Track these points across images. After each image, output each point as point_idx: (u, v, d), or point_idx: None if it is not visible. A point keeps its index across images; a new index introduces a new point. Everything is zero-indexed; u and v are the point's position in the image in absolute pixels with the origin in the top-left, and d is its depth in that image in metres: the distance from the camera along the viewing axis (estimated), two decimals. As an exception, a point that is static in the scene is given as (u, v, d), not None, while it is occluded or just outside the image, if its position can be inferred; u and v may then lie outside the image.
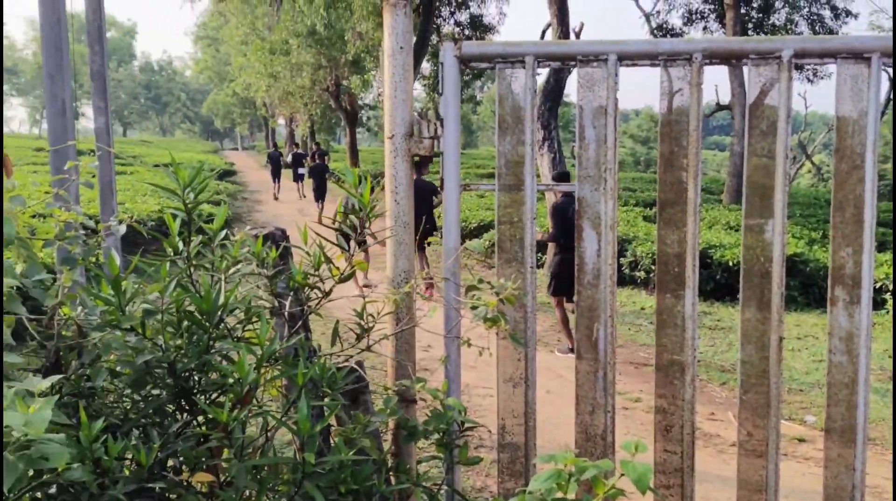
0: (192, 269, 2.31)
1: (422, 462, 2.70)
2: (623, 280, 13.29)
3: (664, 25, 29.22)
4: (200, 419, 2.24)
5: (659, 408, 2.78)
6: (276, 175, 27.82)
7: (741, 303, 2.70)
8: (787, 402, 7.22)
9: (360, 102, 37.25)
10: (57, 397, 2.03)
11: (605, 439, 2.77)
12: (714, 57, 2.64)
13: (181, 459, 2.15)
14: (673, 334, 2.74)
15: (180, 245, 2.35)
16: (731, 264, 12.13)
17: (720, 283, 12.33)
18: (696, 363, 2.73)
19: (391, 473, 2.52)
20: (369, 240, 2.52)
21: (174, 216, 2.33)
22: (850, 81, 2.53)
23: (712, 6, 26.95)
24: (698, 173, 2.66)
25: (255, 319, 2.34)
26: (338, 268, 2.48)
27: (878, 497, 5.12)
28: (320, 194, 21.41)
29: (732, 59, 2.67)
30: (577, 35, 16.46)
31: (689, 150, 2.65)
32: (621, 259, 13.54)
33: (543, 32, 23.26)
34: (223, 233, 2.44)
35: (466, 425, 2.58)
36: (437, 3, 25.07)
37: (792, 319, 11.26)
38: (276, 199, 26.55)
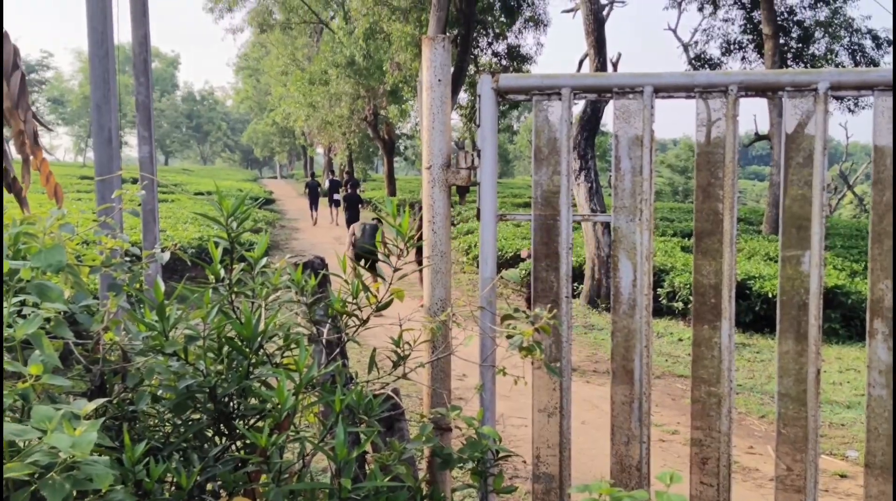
0: (233, 296, 2.36)
1: (456, 490, 2.71)
2: (661, 311, 13.19)
3: (702, 56, 29.15)
4: (239, 443, 2.27)
5: (695, 440, 2.76)
6: (313, 203, 28.85)
7: (778, 335, 2.68)
8: (828, 437, 7.08)
9: (397, 132, 37.63)
10: (101, 420, 2.08)
11: (640, 470, 2.76)
12: (750, 89, 2.65)
13: (220, 483, 2.18)
14: (710, 365, 2.73)
15: (222, 272, 2.40)
16: (770, 295, 11.99)
17: (759, 314, 12.19)
18: (732, 395, 2.71)
19: (426, 500, 2.52)
20: (406, 269, 2.56)
21: (217, 244, 2.39)
22: (887, 112, 2.52)
23: (751, 37, 26.84)
24: (734, 204, 2.66)
25: (293, 345, 2.38)
26: (375, 296, 2.51)
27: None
28: (355, 222, 22.17)
29: (768, 92, 2.68)
30: (615, 66, 16.50)
31: (725, 181, 2.66)
32: (658, 290, 13.44)
33: (581, 63, 23.36)
34: (264, 261, 2.49)
35: (501, 454, 2.58)
36: (475, 34, 25.30)
37: (833, 352, 11.07)
38: (314, 224, 27.31)
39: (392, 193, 33.83)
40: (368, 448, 2.55)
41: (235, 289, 2.37)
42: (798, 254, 2.62)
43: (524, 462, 5.68)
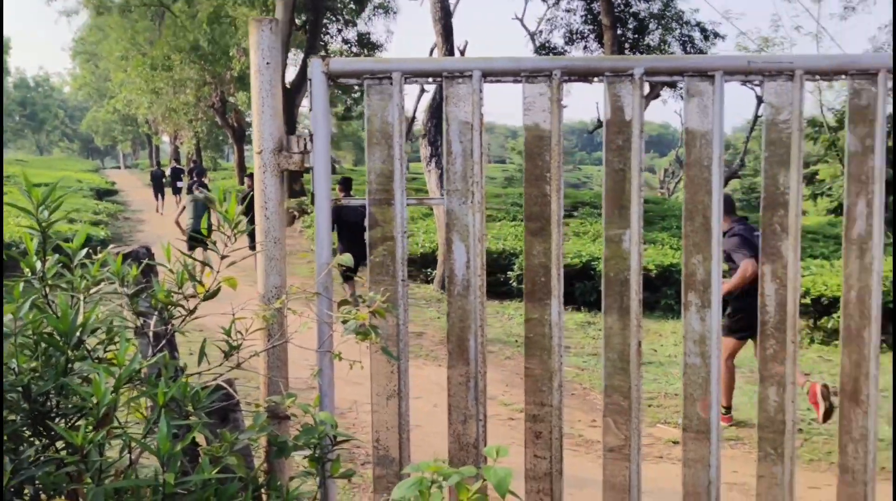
0: (47, 289, 2.24)
1: (294, 477, 2.69)
2: (511, 294, 13.56)
3: (547, 45, 29.97)
4: (60, 443, 2.17)
5: (529, 415, 2.86)
6: (158, 192, 28.64)
7: (603, 311, 2.80)
8: (662, 406, 7.49)
9: (247, 119, 36.68)
10: None
11: (476, 448, 2.82)
12: (573, 74, 2.75)
13: (40, 485, 2.07)
14: (541, 341, 2.82)
15: (38, 265, 2.28)
16: (612, 275, 12.53)
17: (603, 294, 12.71)
18: (562, 369, 2.82)
19: (262, 490, 2.49)
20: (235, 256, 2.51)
21: (31, 236, 2.27)
22: (696, 97, 2.68)
23: (592, 27, 27.81)
24: (560, 187, 2.75)
25: (117, 339, 2.28)
26: (203, 285, 2.45)
27: (746, 494, 5.37)
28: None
29: (590, 77, 2.78)
30: (462, 53, 16.74)
31: (552, 164, 2.75)
32: (509, 273, 13.81)
33: (431, 51, 23.56)
34: (83, 252, 2.38)
35: (339, 439, 2.58)
36: (325, 21, 25.01)
37: (669, 326, 11.71)
38: (158, 212, 26.82)
39: (242, 181, 33.03)
40: (203, 441, 2.49)
41: (50, 282, 2.25)
42: (620, 233, 2.75)
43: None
